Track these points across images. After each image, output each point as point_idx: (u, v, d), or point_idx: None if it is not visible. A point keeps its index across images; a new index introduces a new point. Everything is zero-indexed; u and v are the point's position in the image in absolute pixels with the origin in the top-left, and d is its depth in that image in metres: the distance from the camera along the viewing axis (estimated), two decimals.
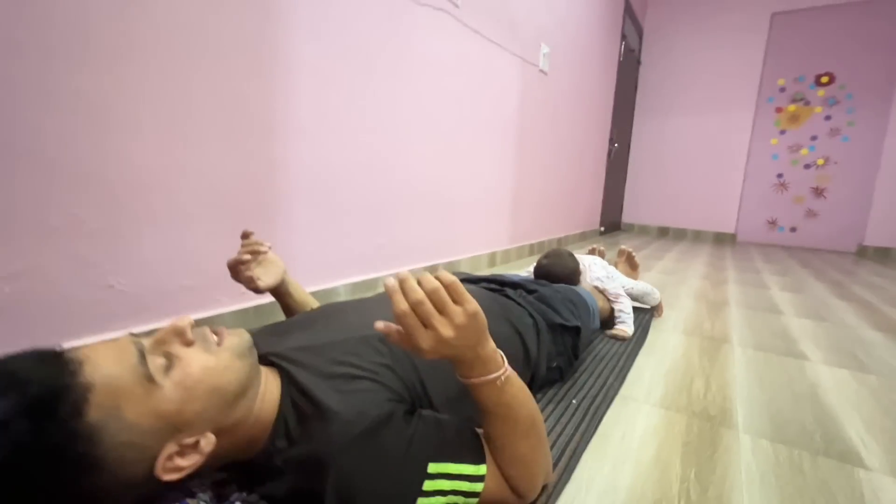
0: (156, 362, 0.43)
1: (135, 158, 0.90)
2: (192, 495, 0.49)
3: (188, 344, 0.46)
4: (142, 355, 0.42)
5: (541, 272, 1.30)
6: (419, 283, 0.44)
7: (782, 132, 3.97)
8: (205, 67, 1.00)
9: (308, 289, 1.33)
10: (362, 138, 1.46)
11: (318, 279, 1.38)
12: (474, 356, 0.47)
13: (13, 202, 0.75)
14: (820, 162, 3.84)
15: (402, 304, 0.43)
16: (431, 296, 0.44)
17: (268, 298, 1.09)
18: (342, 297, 1.46)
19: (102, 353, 0.41)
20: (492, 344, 0.49)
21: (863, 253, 3.70)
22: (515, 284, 1.03)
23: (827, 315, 1.68)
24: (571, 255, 1.34)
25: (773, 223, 4.10)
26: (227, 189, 1.08)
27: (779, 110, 3.96)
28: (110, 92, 0.85)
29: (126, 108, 0.88)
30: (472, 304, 0.45)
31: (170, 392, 0.42)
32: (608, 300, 1.36)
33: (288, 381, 0.54)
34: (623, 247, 1.67)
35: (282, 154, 1.20)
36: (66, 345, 0.82)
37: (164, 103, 0.94)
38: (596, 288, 1.37)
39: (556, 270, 1.27)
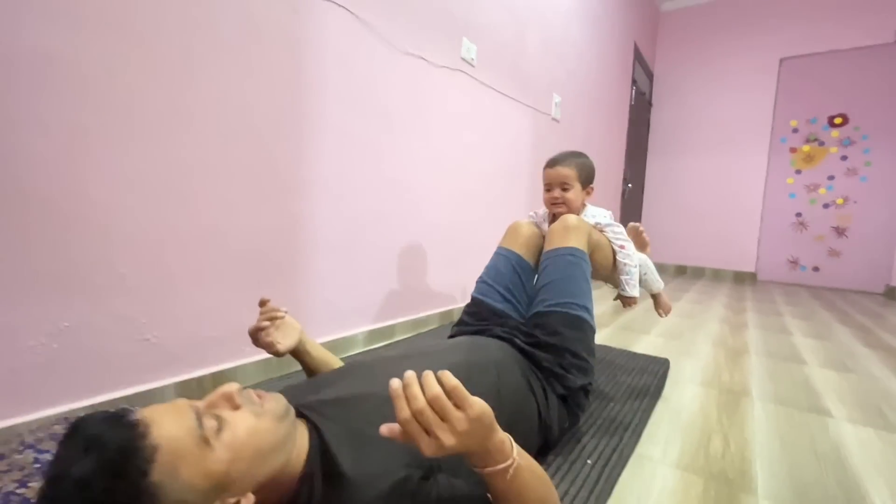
0: (209, 424, 0.46)
1: (176, 220, 0.98)
2: None
3: (236, 408, 0.50)
4: (198, 418, 0.45)
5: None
6: (423, 388, 0.45)
7: (798, 171, 3.96)
8: (241, 134, 1.09)
9: (327, 337, 1.38)
10: (380, 191, 1.53)
11: (336, 327, 1.42)
12: (482, 450, 0.48)
13: (67, 263, 0.83)
14: (839, 201, 3.80)
15: (405, 412, 0.45)
16: (433, 403, 0.45)
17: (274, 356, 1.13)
18: (360, 345, 1.50)
19: (165, 416, 0.44)
20: (500, 435, 0.50)
21: (891, 294, 3.58)
22: (522, 332, 0.99)
23: (852, 365, 1.64)
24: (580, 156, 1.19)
25: (794, 262, 4.02)
26: (255, 244, 1.16)
27: (793, 150, 3.98)
28: (157, 162, 0.94)
29: (170, 176, 0.97)
30: (475, 409, 0.46)
31: (220, 453, 0.45)
32: (612, 249, 1.16)
33: (316, 434, 0.57)
34: (633, 224, 1.47)
35: (305, 208, 1.28)
36: (106, 397, 0.88)
37: (203, 169, 1.03)
38: (597, 228, 1.16)
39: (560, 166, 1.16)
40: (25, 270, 0.78)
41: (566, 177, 1.15)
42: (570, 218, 1.08)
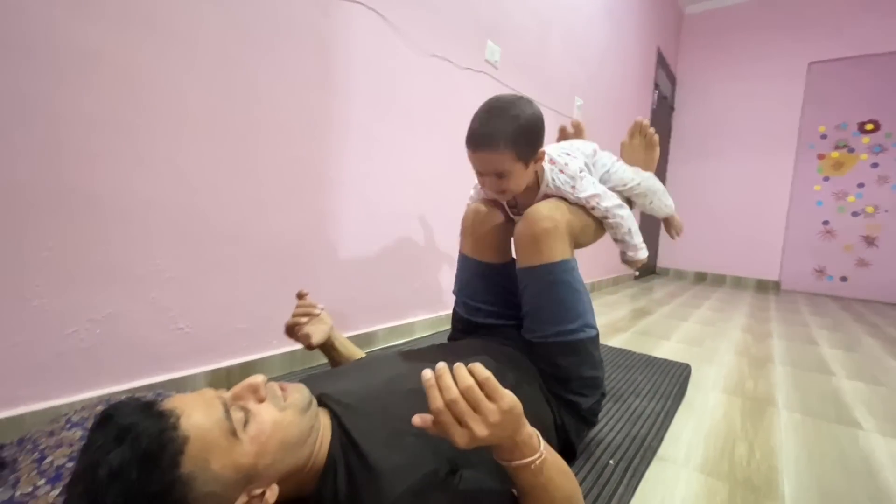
0: (236, 416, 0.46)
1: (211, 215, 1.02)
2: None
3: (261, 400, 0.50)
4: (226, 410, 0.46)
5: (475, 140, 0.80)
6: (455, 379, 0.46)
7: (826, 179, 3.86)
8: (271, 133, 1.12)
9: (349, 332, 1.40)
10: (403, 191, 1.56)
11: (359, 323, 1.44)
12: (511, 443, 0.49)
13: (110, 254, 0.87)
14: (869, 210, 3.69)
15: (437, 402, 0.45)
16: (466, 394, 0.45)
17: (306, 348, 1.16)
18: (380, 341, 1.52)
19: (194, 407, 0.45)
20: (528, 429, 0.50)
21: None
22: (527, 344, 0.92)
23: (883, 378, 1.59)
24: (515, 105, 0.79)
25: (820, 271, 3.91)
26: (282, 240, 1.19)
27: (821, 157, 3.87)
28: (192, 159, 0.98)
29: (204, 173, 1.00)
30: (507, 401, 0.46)
31: (247, 446, 0.45)
32: (597, 221, 0.93)
33: (337, 424, 0.58)
34: (637, 120, 1.14)
35: (331, 206, 1.31)
36: (143, 382, 0.91)
37: (235, 166, 1.06)
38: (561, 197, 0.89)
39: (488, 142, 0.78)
40: (72, 260, 0.82)
41: (496, 164, 0.78)
42: (537, 219, 0.81)
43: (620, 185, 1.02)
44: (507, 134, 0.77)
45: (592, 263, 3.19)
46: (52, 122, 0.78)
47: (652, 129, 1.12)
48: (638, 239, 0.96)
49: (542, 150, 0.82)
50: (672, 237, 1.21)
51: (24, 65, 0.74)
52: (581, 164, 0.91)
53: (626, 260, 1.00)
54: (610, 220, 0.92)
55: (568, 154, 0.93)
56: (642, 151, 1.14)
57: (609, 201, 0.90)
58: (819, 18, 3.84)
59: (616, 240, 0.97)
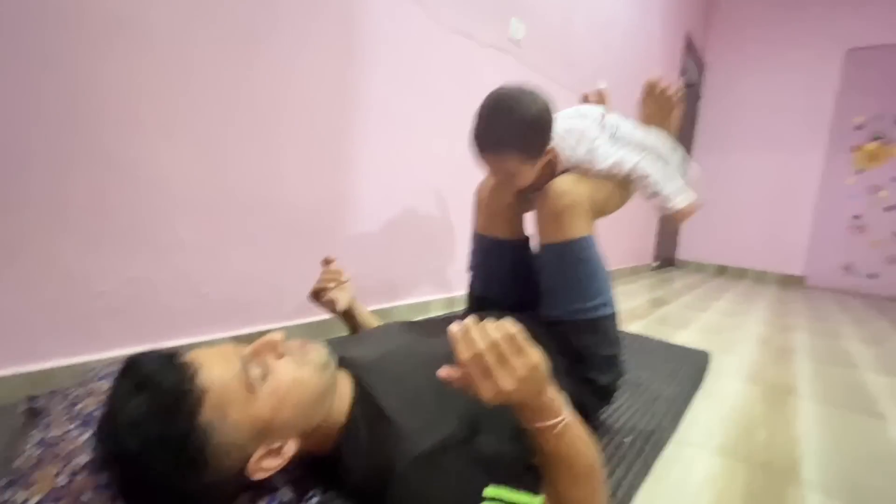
0: (254, 371, 0.47)
1: (234, 186, 1.03)
2: (276, 490, 0.55)
3: (279, 357, 0.51)
4: (244, 365, 0.47)
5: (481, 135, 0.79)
6: (483, 333, 0.45)
7: (859, 171, 3.71)
8: (293, 109, 1.12)
9: (368, 308, 1.41)
10: (421, 169, 1.55)
11: (377, 299, 1.45)
12: (535, 404, 0.48)
13: (137, 222, 0.88)
14: None
15: (464, 354, 0.44)
16: (493, 348, 0.44)
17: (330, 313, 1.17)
18: (396, 318, 1.53)
19: (213, 360, 0.46)
20: (553, 391, 0.49)
21: None
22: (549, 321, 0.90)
23: None
24: (529, 98, 0.75)
25: (848, 268, 3.78)
26: (302, 212, 1.19)
27: (855, 148, 3.72)
28: (217, 132, 0.98)
29: (227, 146, 1.01)
30: (533, 357, 0.45)
31: (265, 400, 0.46)
32: (622, 184, 0.89)
33: (359, 385, 0.59)
34: (650, 81, 0.95)
35: (350, 182, 1.31)
36: (165, 345, 0.94)
37: (258, 140, 1.06)
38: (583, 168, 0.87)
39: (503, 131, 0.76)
40: (102, 223, 0.84)
41: (504, 167, 0.79)
42: (559, 195, 0.80)
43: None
44: (513, 138, 0.75)
45: (610, 251, 3.14)
46: (89, 91, 0.79)
47: (672, 89, 0.93)
48: (670, 186, 0.87)
49: (551, 147, 0.80)
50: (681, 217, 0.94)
51: (62, 33, 0.75)
52: (594, 130, 0.88)
53: (667, 213, 0.91)
54: (636, 174, 0.86)
55: (582, 116, 0.90)
56: (657, 117, 0.97)
57: (629, 161, 0.86)
58: (859, 3, 3.66)
59: (651, 197, 0.89)
